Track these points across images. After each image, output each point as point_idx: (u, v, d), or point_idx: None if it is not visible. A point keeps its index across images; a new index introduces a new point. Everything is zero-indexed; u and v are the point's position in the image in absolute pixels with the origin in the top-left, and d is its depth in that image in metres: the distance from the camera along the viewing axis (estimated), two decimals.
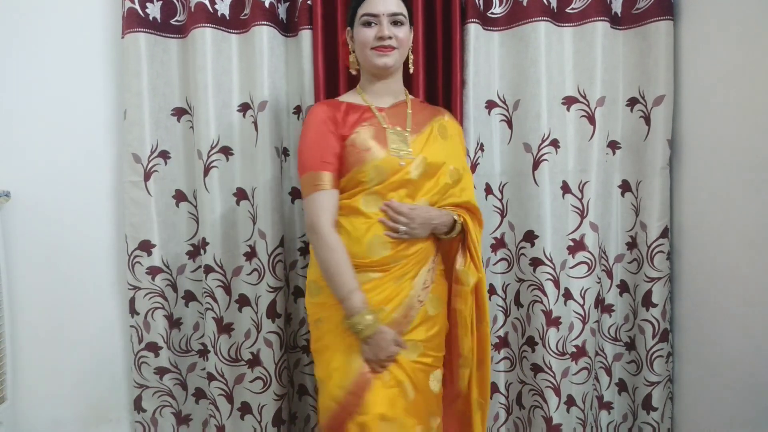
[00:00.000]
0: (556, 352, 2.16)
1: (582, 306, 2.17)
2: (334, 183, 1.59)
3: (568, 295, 2.16)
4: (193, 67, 2.14)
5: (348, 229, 1.60)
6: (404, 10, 1.64)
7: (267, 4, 2.10)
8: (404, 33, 1.64)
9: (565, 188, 2.15)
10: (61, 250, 2.26)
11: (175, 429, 2.31)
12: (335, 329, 1.60)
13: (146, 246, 2.21)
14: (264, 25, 2.09)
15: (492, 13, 2.16)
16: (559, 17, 2.14)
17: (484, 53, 2.15)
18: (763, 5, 1.72)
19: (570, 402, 2.19)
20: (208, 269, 2.17)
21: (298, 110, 2.23)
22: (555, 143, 2.13)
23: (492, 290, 2.26)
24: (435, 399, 1.68)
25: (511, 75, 2.17)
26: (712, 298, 1.99)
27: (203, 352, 2.30)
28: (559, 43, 2.14)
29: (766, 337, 1.73)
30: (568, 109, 2.14)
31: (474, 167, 2.17)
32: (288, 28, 2.21)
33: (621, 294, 2.27)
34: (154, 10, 2.16)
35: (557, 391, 2.16)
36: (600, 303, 2.24)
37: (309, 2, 2.13)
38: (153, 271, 2.22)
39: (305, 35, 2.14)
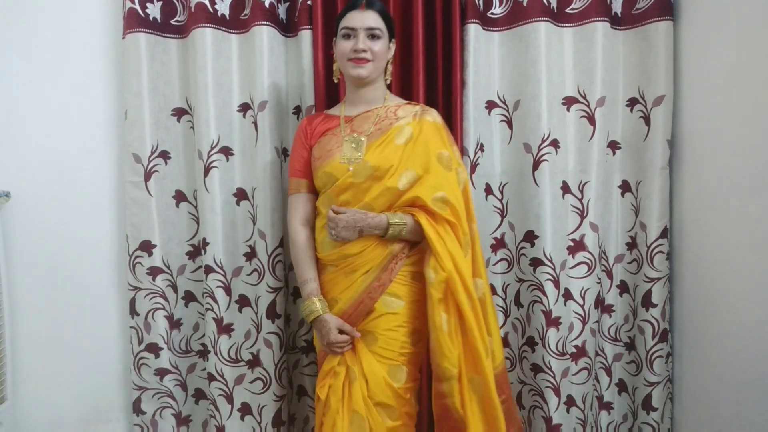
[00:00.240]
0: (556, 352, 2.16)
1: (582, 306, 2.17)
2: (307, 188, 1.85)
3: (568, 296, 2.17)
4: (193, 67, 2.14)
5: (316, 224, 1.84)
6: (382, 26, 1.75)
7: (267, 4, 2.10)
8: (380, 47, 1.74)
9: (565, 188, 2.15)
10: (61, 251, 2.26)
11: (175, 430, 2.31)
12: None
13: (147, 246, 2.21)
14: (264, 25, 2.10)
15: (492, 14, 2.16)
16: (559, 17, 2.14)
17: (484, 53, 2.16)
18: (763, 5, 1.72)
19: (570, 402, 2.19)
20: (209, 269, 2.17)
21: (297, 110, 2.23)
22: (555, 143, 2.13)
23: (492, 290, 2.25)
24: (393, 392, 1.67)
25: (511, 75, 2.18)
26: (711, 298, 1.99)
27: (203, 353, 2.30)
28: (559, 43, 2.14)
29: (766, 337, 1.73)
30: (568, 110, 2.14)
31: (474, 167, 2.17)
32: (288, 28, 2.21)
33: (621, 294, 2.27)
34: (154, 11, 2.16)
35: (557, 392, 2.16)
36: (600, 303, 2.24)
37: (309, 2, 2.13)
38: (154, 272, 2.22)
39: (305, 35, 2.14)
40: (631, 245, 2.23)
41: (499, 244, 2.25)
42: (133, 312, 2.23)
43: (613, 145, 2.20)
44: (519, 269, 2.24)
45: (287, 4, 2.21)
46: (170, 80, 2.21)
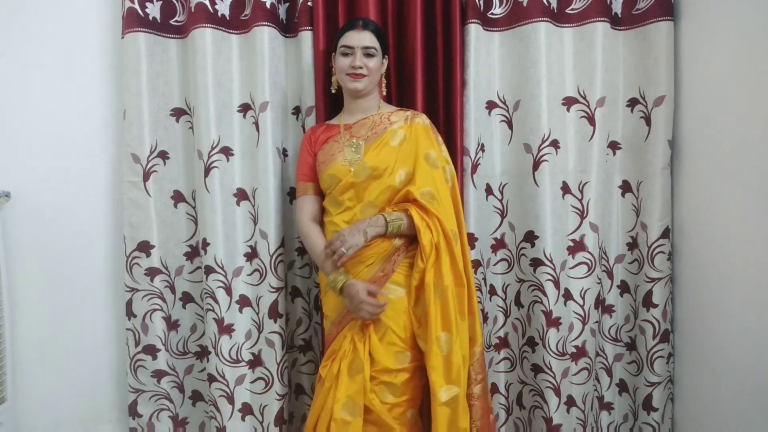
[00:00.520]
0: (556, 352, 2.16)
1: (582, 306, 2.17)
2: (313, 190, 2.02)
3: (568, 296, 2.16)
4: (192, 68, 2.13)
5: (324, 222, 2.01)
6: (377, 44, 1.95)
7: (268, 5, 2.10)
8: (374, 63, 1.95)
9: (565, 189, 2.15)
10: (61, 251, 2.25)
11: None
12: (324, 290, 2.00)
13: (145, 247, 2.20)
14: (265, 25, 2.10)
15: (492, 14, 2.16)
16: (560, 18, 2.14)
17: (485, 54, 2.16)
18: (762, 5, 1.72)
19: (570, 402, 2.19)
20: (209, 270, 2.16)
21: (296, 111, 2.23)
22: (555, 144, 2.13)
23: (492, 290, 2.27)
24: (397, 372, 1.81)
25: (512, 75, 2.18)
26: (712, 298, 1.98)
27: (201, 354, 2.29)
28: (559, 43, 2.14)
29: (766, 337, 1.72)
30: (568, 110, 2.14)
31: (475, 167, 2.17)
32: (288, 29, 2.21)
33: (621, 294, 2.27)
34: (153, 10, 2.16)
35: (557, 392, 2.16)
36: (600, 303, 2.24)
37: (309, 3, 2.13)
38: (152, 272, 2.22)
39: (305, 36, 2.15)
40: (632, 245, 2.23)
41: (499, 244, 2.25)
42: (130, 313, 2.22)
43: (614, 146, 2.20)
44: (519, 269, 2.24)
45: (287, 4, 2.20)
46: (169, 80, 2.21)
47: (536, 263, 2.17)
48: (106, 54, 2.24)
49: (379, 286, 1.85)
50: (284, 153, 2.23)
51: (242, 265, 2.19)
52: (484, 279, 2.24)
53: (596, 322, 2.21)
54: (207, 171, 2.13)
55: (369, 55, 1.93)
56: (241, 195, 2.18)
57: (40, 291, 2.25)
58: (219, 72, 2.14)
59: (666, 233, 2.15)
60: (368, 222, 1.84)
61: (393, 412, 1.80)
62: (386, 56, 2.02)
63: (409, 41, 2.18)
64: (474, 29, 2.11)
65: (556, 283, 2.15)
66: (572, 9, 2.14)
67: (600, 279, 2.22)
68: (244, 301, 2.20)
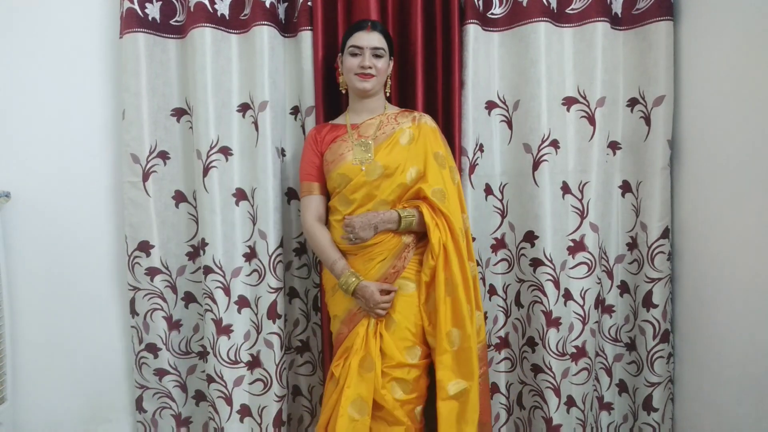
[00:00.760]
0: (556, 352, 2.16)
1: (582, 306, 2.17)
2: (319, 190, 2.03)
3: (568, 296, 2.16)
4: (192, 68, 2.13)
5: (331, 222, 2.01)
6: (385, 45, 1.97)
7: (268, 5, 2.09)
8: (382, 64, 1.97)
9: (565, 189, 2.15)
10: (61, 251, 2.25)
11: (174, 431, 2.31)
12: (330, 292, 2.04)
13: (145, 246, 2.20)
14: (264, 25, 2.09)
15: (492, 14, 2.16)
16: (559, 18, 2.14)
17: (484, 54, 2.16)
18: (762, 5, 1.72)
19: (570, 402, 2.19)
20: (208, 270, 2.16)
21: (295, 111, 2.23)
22: (555, 144, 2.13)
23: (492, 290, 2.26)
24: (408, 368, 1.85)
25: (511, 75, 2.18)
26: (712, 298, 1.98)
27: (203, 354, 2.29)
28: (559, 43, 2.14)
29: (766, 337, 1.72)
30: (568, 110, 2.14)
31: (473, 168, 2.17)
32: (287, 29, 2.21)
33: (621, 295, 2.27)
34: (153, 10, 2.16)
35: (557, 392, 2.16)
36: (600, 304, 2.24)
37: (309, 3, 2.13)
38: (152, 272, 2.22)
39: (305, 36, 2.14)
40: (632, 245, 2.23)
41: (499, 244, 2.24)
42: (133, 312, 2.23)
43: (614, 146, 2.20)
44: (519, 269, 2.24)
45: (286, 4, 2.20)
46: (169, 80, 2.20)
47: (536, 263, 2.16)
48: (105, 54, 2.23)
49: (391, 281, 1.89)
50: (282, 153, 2.22)
51: (241, 266, 2.19)
52: (483, 279, 2.24)
53: (596, 322, 2.21)
54: (205, 171, 2.13)
55: (377, 56, 1.95)
56: (240, 195, 2.17)
57: (39, 291, 2.25)
58: (218, 72, 2.14)
59: (666, 233, 2.15)
60: (381, 217, 1.87)
61: (404, 408, 1.84)
62: (392, 58, 2.04)
63: (409, 41, 2.18)
64: (472, 29, 2.11)
65: (556, 283, 2.15)
66: (572, 9, 2.14)
67: (600, 279, 2.22)
68: (242, 302, 2.20)
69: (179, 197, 2.24)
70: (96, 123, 2.26)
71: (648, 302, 2.17)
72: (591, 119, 2.15)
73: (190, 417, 2.34)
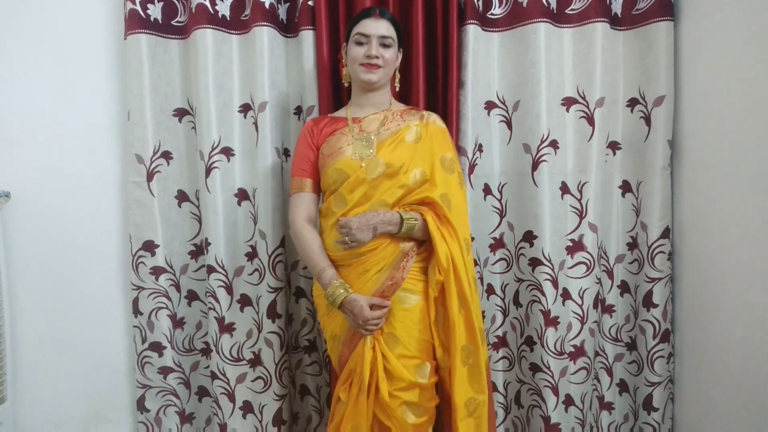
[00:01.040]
0: (555, 351, 2.16)
1: (580, 306, 2.17)
2: (311, 187, 1.86)
3: (566, 295, 2.17)
4: (194, 68, 2.15)
5: (322, 227, 1.84)
6: (393, 34, 1.83)
7: (267, 5, 2.11)
8: (390, 54, 1.82)
9: (564, 189, 2.15)
10: (62, 251, 2.27)
11: (178, 428, 2.33)
12: (326, 310, 1.84)
13: (150, 246, 2.23)
14: (264, 25, 2.11)
15: (492, 14, 2.16)
16: (559, 18, 2.14)
17: (484, 54, 2.16)
18: (763, 5, 1.71)
19: (568, 401, 2.19)
20: (210, 269, 2.19)
21: (298, 111, 2.24)
22: (554, 144, 2.13)
23: (491, 290, 2.27)
24: (420, 389, 1.71)
25: (511, 76, 2.18)
26: (713, 298, 1.98)
27: (206, 351, 2.32)
28: (558, 43, 2.14)
29: (766, 337, 1.72)
30: (567, 110, 2.14)
31: (472, 168, 2.17)
32: (288, 29, 2.22)
33: (622, 294, 2.27)
34: (155, 11, 2.18)
35: (555, 391, 2.17)
36: (600, 303, 2.24)
37: (310, 3, 2.13)
38: (157, 271, 2.24)
39: (306, 36, 2.15)
40: (632, 245, 2.23)
41: (498, 244, 2.25)
42: (137, 311, 2.26)
43: (614, 146, 2.20)
44: (518, 269, 2.24)
45: (287, 4, 2.21)
46: (171, 81, 2.22)
47: (535, 263, 2.17)
48: (108, 55, 2.25)
49: (388, 295, 1.73)
50: (286, 153, 2.24)
51: (243, 265, 2.21)
52: (481, 278, 2.25)
53: (595, 321, 2.21)
54: (208, 171, 2.15)
55: (385, 45, 1.80)
56: (242, 195, 2.20)
57: (40, 291, 2.27)
58: (220, 73, 2.15)
59: (666, 233, 2.14)
60: (380, 218, 1.70)
61: None
62: (401, 49, 1.90)
63: (410, 41, 2.17)
64: (472, 30, 2.11)
65: (555, 283, 2.15)
66: (572, 9, 2.13)
67: (599, 279, 2.22)
68: (245, 301, 2.22)
69: (182, 197, 2.26)
70: (98, 123, 2.27)
71: (648, 302, 2.17)
72: (590, 119, 2.14)
73: (193, 413, 2.37)
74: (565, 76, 2.14)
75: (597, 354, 2.26)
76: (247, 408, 2.24)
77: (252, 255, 2.21)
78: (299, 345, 2.34)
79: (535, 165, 2.13)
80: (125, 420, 2.38)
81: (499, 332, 2.28)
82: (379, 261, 1.74)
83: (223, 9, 2.16)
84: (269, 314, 2.18)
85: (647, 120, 2.14)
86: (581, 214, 2.16)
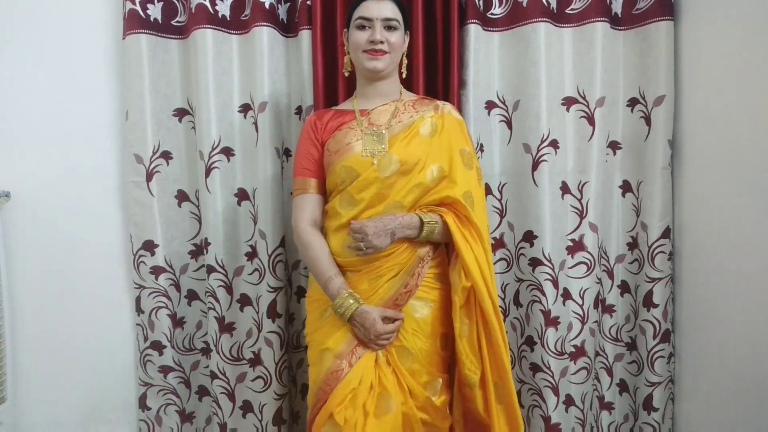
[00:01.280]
0: (555, 351, 2.16)
1: (581, 306, 2.17)
2: (316, 188, 1.72)
3: (566, 295, 2.16)
4: (194, 68, 2.15)
5: (325, 228, 1.71)
6: (399, 16, 1.67)
7: (267, 5, 2.11)
8: (397, 38, 1.66)
9: (565, 189, 2.15)
10: (62, 250, 2.27)
11: (179, 427, 2.34)
12: (318, 319, 1.69)
13: (150, 246, 2.23)
14: (264, 26, 2.11)
15: (492, 14, 2.16)
16: (559, 18, 2.13)
17: (484, 54, 2.15)
18: (763, 5, 1.71)
19: (569, 401, 2.19)
20: (210, 269, 2.19)
21: (299, 110, 2.24)
22: (554, 144, 2.13)
23: None
24: (433, 408, 1.63)
25: (511, 75, 2.17)
26: (713, 298, 1.98)
27: (206, 351, 2.32)
28: (558, 43, 2.13)
29: (766, 337, 1.72)
30: (567, 110, 2.14)
31: None
32: (288, 29, 2.22)
33: (622, 294, 2.27)
34: (155, 11, 2.18)
35: (556, 391, 2.17)
36: (601, 303, 2.24)
37: (309, 2, 2.13)
38: (156, 271, 2.25)
39: (305, 36, 2.15)
40: (633, 245, 2.23)
41: (498, 243, 2.25)
42: (139, 310, 2.26)
43: (614, 146, 2.19)
44: (518, 269, 2.24)
45: (287, 4, 2.21)
46: (171, 81, 2.22)
47: (535, 263, 2.16)
48: (107, 55, 2.25)
49: (401, 304, 1.61)
50: (286, 153, 2.24)
51: (243, 265, 2.22)
52: None
53: (595, 321, 2.21)
54: (208, 171, 2.15)
55: (391, 28, 1.64)
56: (242, 195, 2.20)
57: (40, 291, 2.27)
58: (219, 73, 2.15)
59: (666, 233, 2.14)
60: (399, 221, 1.56)
61: None
62: (407, 32, 1.75)
63: (410, 41, 2.17)
64: (473, 29, 2.11)
65: (555, 283, 2.15)
66: (572, 9, 2.13)
67: (600, 279, 2.21)
68: (245, 300, 2.22)
69: (182, 197, 2.26)
70: (98, 123, 2.27)
71: (648, 302, 2.17)
72: (590, 119, 2.14)
73: (193, 412, 2.37)
74: (565, 76, 2.13)
75: (597, 354, 2.26)
76: (247, 407, 2.25)
77: (252, 255, 2.21)
78: (300, 344, 2.34)
79: (536, 165, 2.13)
80: (125, 420, 2.38)
81: None
82: (393, 267, 1.61)
83: (223, 9, 2.16)
84: (269, 314, 2.18)
85: (647, 120, 2.13)
86: (581, 214, 2.16)
